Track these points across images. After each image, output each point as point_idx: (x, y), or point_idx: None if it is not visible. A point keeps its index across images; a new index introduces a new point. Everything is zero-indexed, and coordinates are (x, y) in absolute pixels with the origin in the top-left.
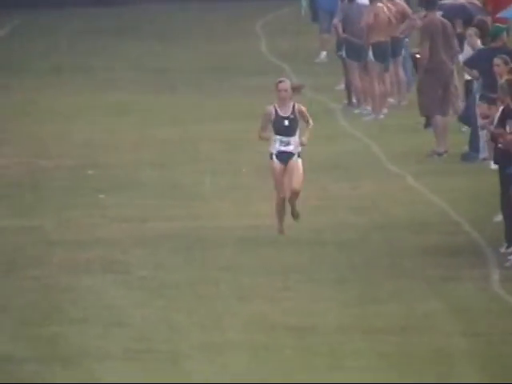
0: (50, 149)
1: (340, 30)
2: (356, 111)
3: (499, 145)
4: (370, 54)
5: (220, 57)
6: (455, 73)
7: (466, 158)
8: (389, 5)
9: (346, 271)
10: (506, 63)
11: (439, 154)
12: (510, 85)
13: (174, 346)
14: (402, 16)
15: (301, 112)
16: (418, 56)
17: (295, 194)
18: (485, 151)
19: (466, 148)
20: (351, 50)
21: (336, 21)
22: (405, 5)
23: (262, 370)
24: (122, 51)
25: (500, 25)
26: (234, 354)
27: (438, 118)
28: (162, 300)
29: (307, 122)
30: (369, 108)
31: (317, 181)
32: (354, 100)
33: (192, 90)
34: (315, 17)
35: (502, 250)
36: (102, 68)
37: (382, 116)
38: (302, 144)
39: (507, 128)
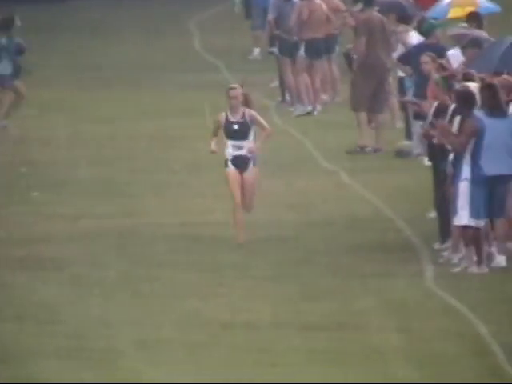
0: None
1: (273, 26)
2: (289, 110)
3: (433, 140)
4: (302, 49)
5: (155, 53)
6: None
7: (400, 154)
8: (323, 1)
9: (281, 268)
10: (433, 60)
11: (361, 148)
12: (446, 81)
13: (108, 343)
14: (336, 13)
15: (251, 117)
16: (353, 55)
17: (249, 210)
18: (418, 147)
19: (400, 144)
20: (284, 46)
21: (270, 17)
22: (338, 1)
23: (197, 366)
24: (57, 48)
25: (433, 21)
26: (169, 351)
27: (363, 115)
28: (96, 297)
29: (262, 127)
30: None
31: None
32: (288, 97)
33: (127, 87)
34: (248, 14)
35: (436, 246)
36: (36, 65)
37: (315, 112)
38: (251, 151)
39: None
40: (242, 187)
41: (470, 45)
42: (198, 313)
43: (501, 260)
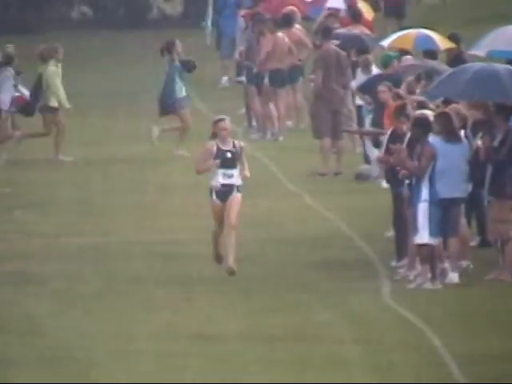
0: None
1: (243, 57)
2: (254, 135)
3: (389, 164)
4: (266, 79)
5: (129, 82)
6: (350, 98)
7: (359, 177)
8: (287, 35)
9: (247, 283)
10: (390, 89)
11: (321, 175)
12: (397, 110)
13: (86, 353)
14: (298, 45)
15: (242, 147)
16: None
17: (232, 228)
18: (377, 170)
19: (359, 168)
20: (251, 76)
21: (240, 48)
22: (301, 34)
23: (168, 375)
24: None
25: (390, 53)
26: (142, 361)
27: (326, 141)
28: (74, 310)
29: (243, 164)
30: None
31: None
32: (254, 123)
33: (102, 114)
34: (219, 44)
35: (393, 263)
36: None
37: (280, 138)
38: (245, 177)
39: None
40: (226, 207)
41: (424, 76)
42: (170, 325)
43: (454, 277)
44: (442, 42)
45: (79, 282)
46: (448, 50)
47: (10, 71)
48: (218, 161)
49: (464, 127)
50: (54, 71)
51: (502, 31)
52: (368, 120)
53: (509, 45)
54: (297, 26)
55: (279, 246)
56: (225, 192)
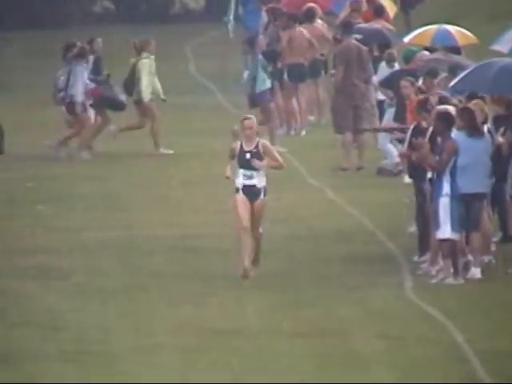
0: None
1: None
2: (278, 131)
3: (411, 159)
4: (285, 74)
5: None
6: (373, 93)
7: (381, 172)
8: (307, 29)
9: (270, 278)
10: (412, 84)
11: (343, 170)
12: (420, 105)
13: (108, 347)
14: (322, 39)
15: (265, 148)
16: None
17: (256, 240)
18: (399, 165)
19: (381, 163)
20: (273, 71)
21: (260, 39)
22: (323, 29)
23: (190, 370)
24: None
25: (413, 48)
26: (164, 356)
27: (348, 135)
28: (96, 305)
29: (275, 159)
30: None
31: None
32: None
33: (127, 109)
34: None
35: (415, 258)
36: (33, 85)
37: (303, 133)
38: (259, 165)
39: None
40: (253, 214)
41: (448, 70)
42: (192, 320)
43: (476, 272)
44: (461, 38)
45: (101, 276)
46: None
47: (82, 64)
48: (233, 162)
49: (485, 122)
50: (145, 63)
51: None
52: (388, 115)
53: None
54: (318, 20)
55: (301, 241)
56: (249, 192)
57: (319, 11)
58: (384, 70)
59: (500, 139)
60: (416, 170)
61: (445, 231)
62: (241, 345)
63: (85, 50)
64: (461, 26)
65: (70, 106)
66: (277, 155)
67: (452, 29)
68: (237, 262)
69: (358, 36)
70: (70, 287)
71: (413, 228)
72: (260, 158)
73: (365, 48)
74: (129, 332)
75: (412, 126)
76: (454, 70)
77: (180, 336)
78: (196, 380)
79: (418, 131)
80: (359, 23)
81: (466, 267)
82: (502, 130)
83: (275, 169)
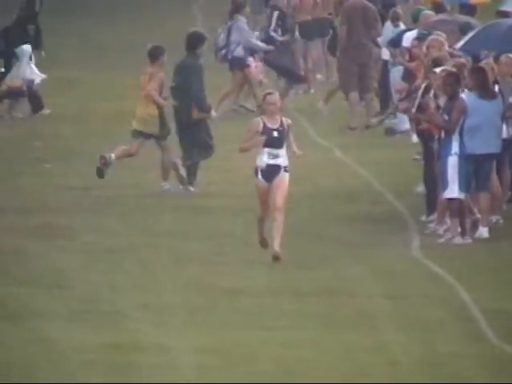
0: None
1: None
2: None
3: (421, 122)
4: (297, 32)
5: (159, 35)
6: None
7: (389, 132)
8: None
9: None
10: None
11: (351, 129)
12: (434, 63)
13: (115, 306)
14: None
15: (289, 126)
16: None
17: (278, 210)
18: (406, 122)
19: (388, 122)
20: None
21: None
22: None
23: (197, 329)
24: (71, 29)
25: (423, 7)
26: (172, 314)
27: (353, 95)
28: (104, 264)
29: (292, 142)
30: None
31: (250, 152)
32: None
33: (131, 68)
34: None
35: (423, 218)
36: (51, 45)
37: (312, 91)
38: (298, 156)
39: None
40: (273, 189)
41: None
42: (199, 279)
43: (483, 231)
44: None
45: (109, 235)
46: (481, 5)
47: (241, 20)
48: (263, 138)
49: (496, 82)
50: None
51: None
52: (393, 74)
53: None
54: None
55: (309, 200)
56: (271, 172)
57: None
58: (389, 28)
59: (511, 99)
60: (424, 130)
61: (453, 190)
62: (247, 304)
63: (241, 4)
64: None
65: (232, 61)
66: (292, 139)
67: None
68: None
69: None
70: (77, 246)
71: (420, 188)
72: (285, 137)
73: (372, 6)
74: (136, 291)
75: (423, 86)
76: (464, 29)
77: (187, 295)
78: (202, 338)
79: (429, 91)
80: None
81: (474, 227)
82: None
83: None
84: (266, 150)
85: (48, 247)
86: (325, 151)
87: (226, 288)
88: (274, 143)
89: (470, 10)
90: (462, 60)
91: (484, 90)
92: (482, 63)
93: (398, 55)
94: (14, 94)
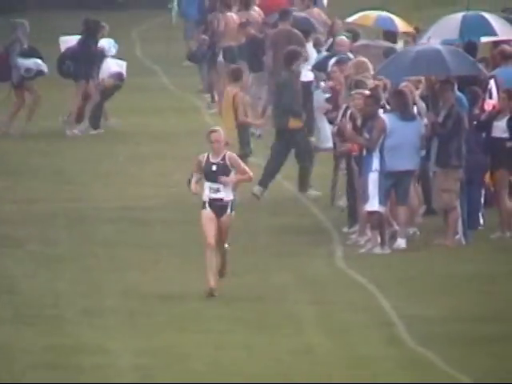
0: None
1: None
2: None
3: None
4: (221, 56)
5: None
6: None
7: (315, 149)
8: (244, 16)
9: None
10: (341, 70)
11: None
12: (355, 86)
13: (59, 311)
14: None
15: (232, 160)
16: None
17: (222, 253)
18: (329, 141)
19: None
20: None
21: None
22: (258, 17)
23: (135, 332)
24: None
25: (346, 34)
26: (113, 319)
27: None
28: (48, 271)
29: (243, 172)
30: None
31: (185, 171)
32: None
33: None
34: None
35: (345, 229)
36: None
37: None
38: (225, 181)
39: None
40: (220, 228)
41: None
42: (137, 285)
43: (401, 242)
44: (400, 25)
45: (52, 244)
46: (406, 33)
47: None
48: (199, 174)
49: (414, 103)
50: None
51: (444, 21)
52: (316, 97)
53: (450, 34)
54: (256, 8)
55: (240, 213)
56: (217, 207)
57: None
58: (312, 53)
59: (425, 120)
60: (343, 150)
61: (373, 204)
62: (182, 309)
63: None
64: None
65: None
66: (245, 167)
67: (392, 15)
68: (206, 279)
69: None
70: (23, 255)
71: (341, 201)
72: (227, 171)
73: (297, 32)
74: (78, 296)
75: (343, 108)
76: (388, 54)
77: (125, 300)
78: (140, 341)
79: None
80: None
81: (393, 238)
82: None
83: (243, 182)
84: (208, 184)
85: None
86: (256, 167)
87: (163, 294)
88: (212, 177)
89: (392, 36)
90: (379, 82)
91: (404, 112)
92: (402, 86)
93: (323, 78)
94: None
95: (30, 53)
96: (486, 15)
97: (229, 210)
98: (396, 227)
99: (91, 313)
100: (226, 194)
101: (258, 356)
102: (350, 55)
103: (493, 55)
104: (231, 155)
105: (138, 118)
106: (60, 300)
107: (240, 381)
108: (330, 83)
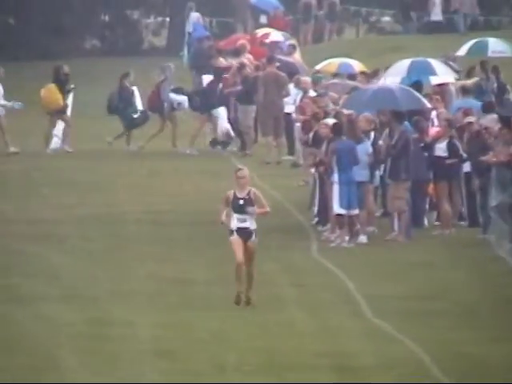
0: (7, 157)
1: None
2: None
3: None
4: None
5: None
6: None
7: (295, 165)
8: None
9: (214, 241)
10: (314, 101)
11: (267, 163)
12: (314, 117)
13: (94, 292)
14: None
15: (256, 196)
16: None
17: (250, 274)
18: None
19: (292, 158)
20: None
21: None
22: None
23: (154, 309)
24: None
25: (319, 75)
26: (136, 298)
27: (269, 139)
28: (85, 261)
29: (262, 206)
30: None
31: (193, 182)
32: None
33: (106, 117)
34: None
35: (319, 228)
36: None
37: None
38: (251, 211)
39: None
40: (246, 254)
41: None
42: (156, 272)
43: (363, 238)
44: (357, 67)
45: (89, 240)
46: (362, 73)
47: None
48: (227, 208)
49: (375, 129)
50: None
51: (397, 64)
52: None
53: (401, 74)
54: (248, 56)
55: None
56: (244, 234)
57: (247, 48)
58: (293, 91)
59: (380, 142)
60: (317, 165)
61: (337, 208)
62: (192, 291)
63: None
64: (355, 59)
65: None
66: (264, 202)
67: (351, 61)
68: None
69: (277, 64)
70: (66, 248)
71: (315, 207)
72: (251, 204)
73: (282, 74)
74: (109, 281)
75: (312, 134)
76: (353, 91)
77: (147, 284)
78: (160, 316)
79: (317, 137)
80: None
81: (356, 235)
82: (386, 131)
83: (262, 215)
84: (235, 215)
85: (43, 249)
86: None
87: (176, 279)
88: (239, 210)
89: (353, 77)
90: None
91: (354, 136)
92: (361, 116)
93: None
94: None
95: (179, 91)
96: (430, 60)
97: (254, 236)
98: (358, 226)
99: (119, 294)
100: (251, 224)
101: (251, 327)
102: (313, 92)
103: (435, 92)
104: (255, 192)
105: (155, 140)
106: (94, 283)
107: (237, 345)
108: (301, 117)
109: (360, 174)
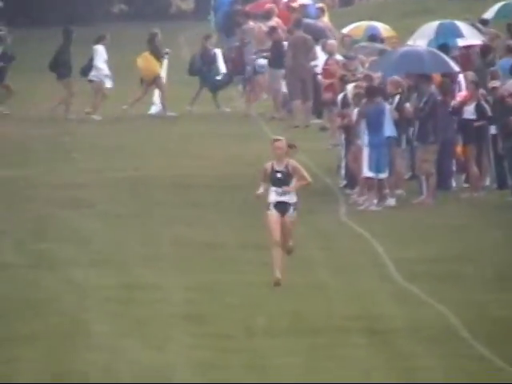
0: (36, 123)
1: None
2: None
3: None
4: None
5: None
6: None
7: (323, 129)
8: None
9: (242, 205)
10: (337, 63)
11: (295, 127)
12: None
13: (124, 257)
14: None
15: (294, 168)
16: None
17: (287, 249)
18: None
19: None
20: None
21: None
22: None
23: (186, 272)
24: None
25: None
26: (165, 262)
27: (297, 103)
28: (115, 226)
29: (303, 178)
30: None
31: (220, 146)
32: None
33: (134, 83)
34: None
35: (347, 191)
36: None
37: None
38: (286, 190)
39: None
40: (283, 227)
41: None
42: (185, 236)
43: (391, 201)
44: (384, 30)
45: (119, 205)
46: (389, 38)
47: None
48: (266, 184)
49: (401, 93)
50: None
51: (424, 27)
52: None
53: (429, 37)
54: (276, 19)
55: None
56: (281, 207)
57: (276, 11)
58: (319, 53)
59: (407, 105)
60: (347, 128)
61: (366, 171)
62: (220, 254)
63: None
64: (382, 22)
65: None
66: (305, 173)
67: (378, 24)
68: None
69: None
70: (95, 213)
71: (343, 170)
72: (290, 178)
73: (310, 38)
74: (138, 245)
75: (341, 96)
76: (381, 53)
77: (176, 248)
78: (191, 279)
79: (346, 100)
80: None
81: (384, 198)
82: (415, 95)
83: (304, 187)
84: (273, 188)
85: (73, 214)
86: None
87: (205, 242)
88: (277, 183)
89: (380, 41)
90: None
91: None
92: (389, 80)
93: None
94: None
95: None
96: (457, 23)
97: (291, 210)
98: (387, 190)
99: (149, 258)
100: (290, 197)
101: (280, 291)
102: (339, 56)
103: (461, 55)
104: (293, 164)
105: (183, 105)
106: (124, 248)
107: (267, 308)
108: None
109: (387, 129)
